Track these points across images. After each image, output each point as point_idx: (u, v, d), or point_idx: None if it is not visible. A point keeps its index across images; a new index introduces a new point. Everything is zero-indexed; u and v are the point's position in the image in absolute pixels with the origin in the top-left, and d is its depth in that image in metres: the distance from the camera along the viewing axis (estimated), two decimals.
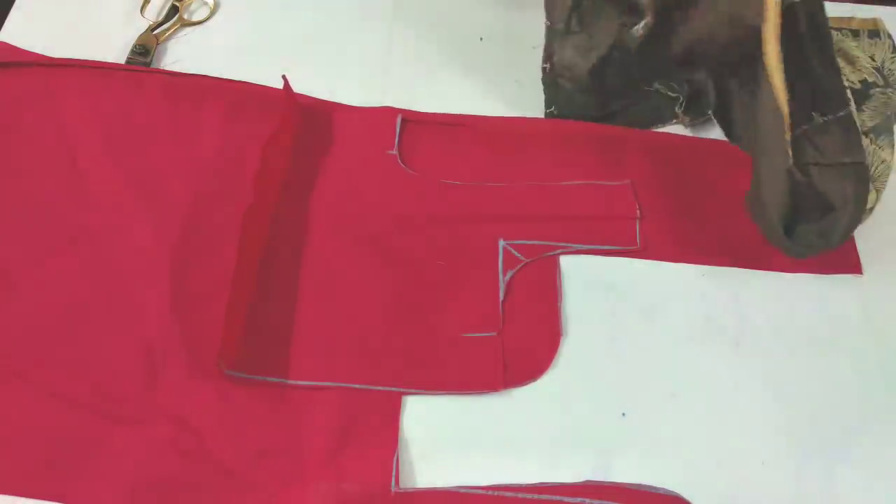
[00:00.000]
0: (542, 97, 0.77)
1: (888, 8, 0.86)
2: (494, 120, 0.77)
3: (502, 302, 0.67)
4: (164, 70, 0.79)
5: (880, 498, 0.60)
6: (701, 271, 0.70)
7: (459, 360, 0.64)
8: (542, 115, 0.77)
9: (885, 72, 0.69)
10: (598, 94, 0.73)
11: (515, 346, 0.65)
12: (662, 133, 0.77)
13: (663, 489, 0.59)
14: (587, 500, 0.57)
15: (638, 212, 0.71)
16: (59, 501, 0.58)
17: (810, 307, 0.68)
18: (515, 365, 0.64)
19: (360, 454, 0.59)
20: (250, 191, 0.67)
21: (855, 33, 0.73)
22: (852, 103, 0.63)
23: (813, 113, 0.63)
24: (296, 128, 0.74)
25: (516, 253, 0.69)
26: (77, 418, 0.60)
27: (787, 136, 0.63)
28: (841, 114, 0.62)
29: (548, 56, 0.72)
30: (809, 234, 0.64)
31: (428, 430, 0.62)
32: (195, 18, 0.83)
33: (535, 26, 0.83)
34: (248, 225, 0.65)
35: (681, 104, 0.72)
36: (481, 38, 0.83)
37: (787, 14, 0.62)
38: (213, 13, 0.84)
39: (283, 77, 0.74)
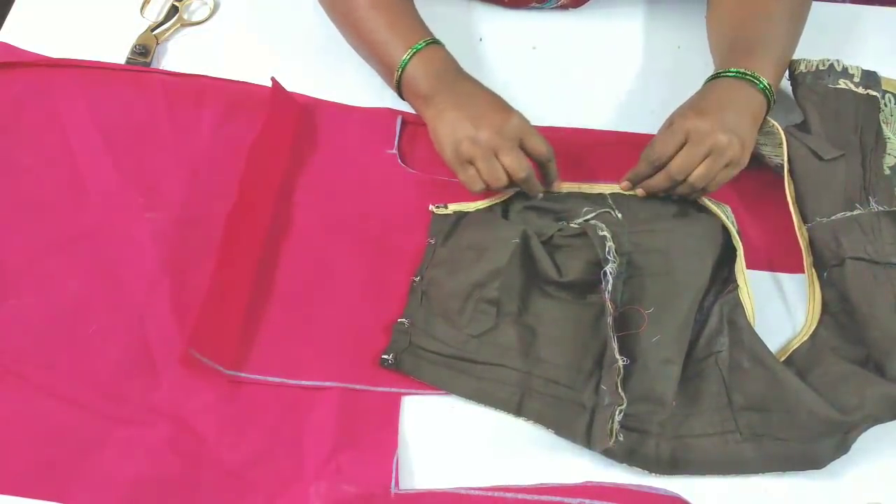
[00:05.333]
0: (540, 98, 0.77)
1: (888, 8, 0.86)
2: None
3: None
4: (163, 70, 0.79)
5: (880, 496, 0.60)
6: None
7: None
8: (540, 115, 0.77)
9: None
10: None
11: None
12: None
13: (663, 489, 0.59)
14: (587, 501, 0.57)
15: None
16: (58, 501, 0.58)
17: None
18: None
19: (360, 454, 0.59)
20: (237, 192, 0.67)
21: None
22: None
23: None
24: (288, 128, 0.74)
25: None
26: (77, 418, 0.60)
27: None
28: None
29: None
30: None
31: (428, 431, 0.62)
32: (195, 18, 0.83)
33: (534, 26, 0.84)
34: (230, 225, 0.66)
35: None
36: (481, 39, 0.83)
37: None
38: (213, 13, 0.84)
39: (273, 79, 0.74)
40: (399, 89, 0.70)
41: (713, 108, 0.65)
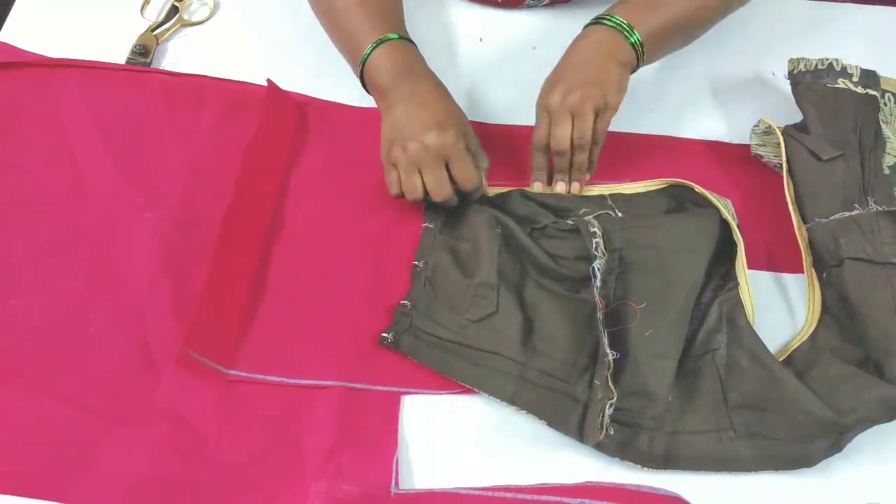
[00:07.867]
0: None
1: (888, 8, 0.86)
2: (493, 127, 0.77)
3: None
4: (163, 70, 0.79)
5: (879, 497, 0.60)
6: None
7: None
8: None
9: None
10: None
11: None
12: (664, 137, 0.77)
13: (663, 489, 0.59)
14: (587, 501, 0.57)
15: None
16: (59, 501, 0.58)
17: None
18: None
19: (360, 454, 0.59)
20: (233, 191, 0.67)
21: None
22: None
23: None
24: (284, 128, 0.74)
25: None
26: (77, 418, 0.60)
27: None
28: None
29: None
30: None
31: (428, 430, 0.62)
32: (195, 18, 0.83)
33: (534, 26, 0.84)
34: (226, 225, 0.66)
35: None
36: (481, 39, 0.83)
37: None
38: (213, 13, 0.84)
39: (269, 80, 0.74)
40: (363, 81, 0.69)
41: (566, 71, 0.66)
